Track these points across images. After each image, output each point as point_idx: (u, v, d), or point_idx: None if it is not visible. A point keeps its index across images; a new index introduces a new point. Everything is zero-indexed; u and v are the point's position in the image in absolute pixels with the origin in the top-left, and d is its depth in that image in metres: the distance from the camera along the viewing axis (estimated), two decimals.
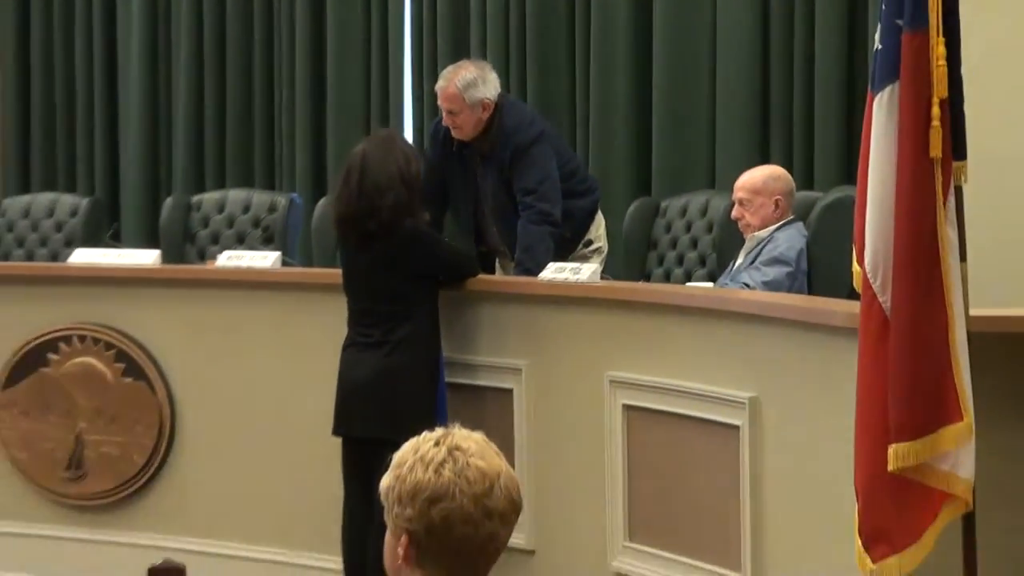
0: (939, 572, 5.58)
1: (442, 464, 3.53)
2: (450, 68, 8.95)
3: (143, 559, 4.53)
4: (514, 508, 3.55)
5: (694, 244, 8.99)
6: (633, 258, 9.14)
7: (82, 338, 9.34)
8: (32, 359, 9.43)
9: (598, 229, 9.08)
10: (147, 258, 9.77)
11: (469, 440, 3.60)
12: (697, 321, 7.37)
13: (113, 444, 9.27)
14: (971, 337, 5.50)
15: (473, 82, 8.69)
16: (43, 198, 11.22)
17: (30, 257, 10.69)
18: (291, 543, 8.72)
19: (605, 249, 9.05)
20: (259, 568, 8.79)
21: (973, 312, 5.58)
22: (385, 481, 3.59)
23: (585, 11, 10.40)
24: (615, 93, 10.26)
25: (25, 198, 11.32)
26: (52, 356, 9.39)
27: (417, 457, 3.57)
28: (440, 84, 8.79)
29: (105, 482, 9.29)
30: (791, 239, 7.99)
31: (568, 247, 8.74)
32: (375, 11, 11.19)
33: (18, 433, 9.45)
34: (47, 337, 9.41)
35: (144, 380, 9.20)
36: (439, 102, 8.81)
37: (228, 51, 11.62)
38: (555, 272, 8.29)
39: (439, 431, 3.63)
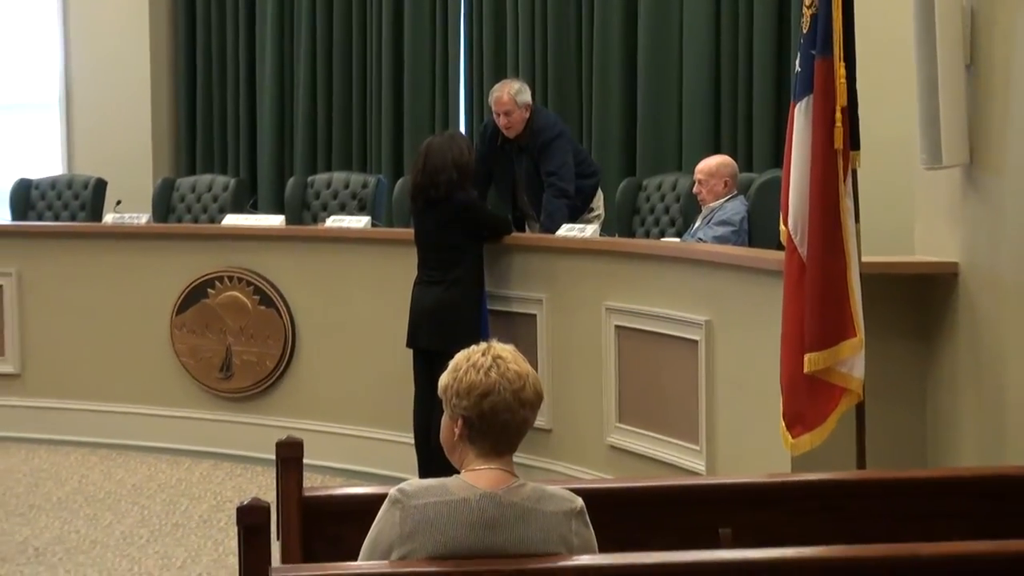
0: (839, 445, 5.63)
1: (489, 369, 3.60)
2: (501, 83, 8.97)
3: (272, 436, 4.58)
4: (539, 399, 3.62)
5: (666, 211, 8.98)
6: (622, 221, 9.14)
7: (231, 278, 9.40)
8: (196, 293, 9.49)
9: (598, 201, 9.10)
10: (275, 221, 9.84)
11: (506, 351, 3.66)
12: (668, 266, 7.41)
13: (252, 354, 9.34)
14: (862, 277, 5.56)
15: (520, 90, 8.76)
16: (204, 178, 11.23)
17: (195, 220, 10.70)
18: (377, 424, 8.74)
19: (603, 215, 9.07)
20: (354, 441, 8.83)
21: (864, 259, 5.63)
22: (444, 380, 3.65)
23: (589, 41, 10.34)
24: (610, 101, 10.24)
25: (192, 178, 11.33)
26: (210, 291, 9.45)
27: (470, 364, 3.63)
28: (495, 95, 8.80)
29: (246, 380, 9.37)
30: (735, 208, 8.01)
31: (577, 213, 8.77)
32: (439, 41, 11.16)
33: (187, 346, 9.52)
34: (206, 277, 9.47)
35: (273, 308, 9.27)
36: (494, 107, 8.78)
37: (335, 68, 11.59)
38: (567, 231, 8.35)
39: (484, 345, 3.68)
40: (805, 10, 5.68)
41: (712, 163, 8.24)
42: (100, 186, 11.36)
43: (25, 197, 11.50)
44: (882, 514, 4.26)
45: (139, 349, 9.63)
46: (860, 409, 5.62)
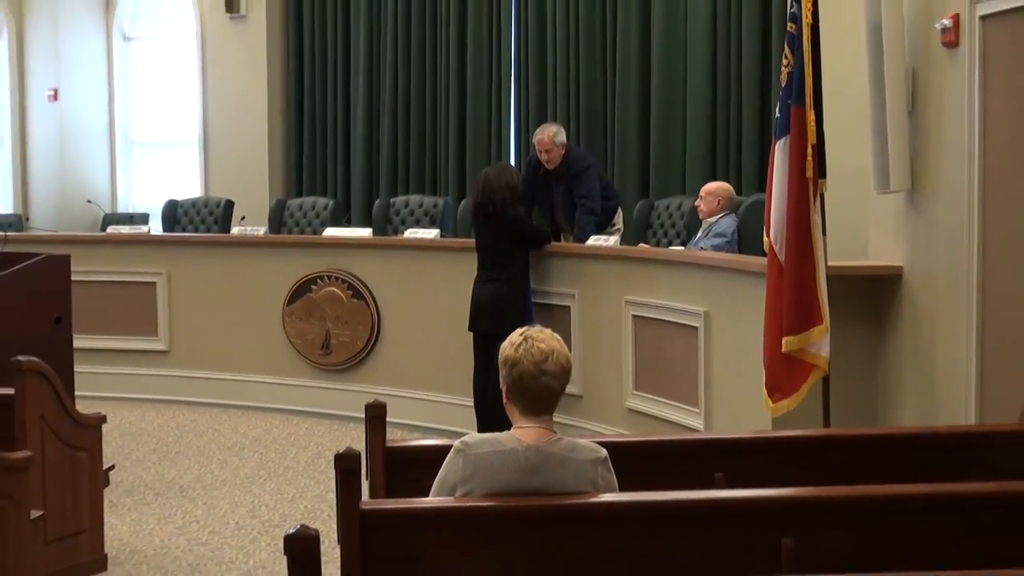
0: (809, 409, 5.62)
1: (519, 346, 3.59)
2: (543, 126, 8.94)
3: (362, 399, 4.58)
4: (562, 370, 3.59)
5: (673, 226, 8.96)
6: (638, 233, 9.12)
7: (329, 277, 9.42)
8: (302, 289, 9.50)
9: (619, 217, 9.05)
10: (365, 232, 9.90)
11: (541, 333, 3.65)
12: (674, 268, 7.41)
13: (346, 336, 9.34)
14: (828, 277, 5.55)
15: (557, 133, 8.76)
16: (309, 199, 11.27)
17: (302, 231, 10.74)
18: (444, 390, 8.75)
19: (622, 229, 9.03)
20: (426, 404, 8.82)
21: (829, 263, 5.62)
22: (500, 354, 3.67)
23: (612, 91, 10.31)
24: (628, 139, 10.20)
25: (299, 199, 11.37)
26: (313, 287, 9.47)
27: (509, 343, 3.64)
28: (539, 136, 8.80)
29: (341, 356, 9.37)
30: (728, 223, 7.95)
31: (602, 227, 8.75)
32: (493, 89, 11.15)
33: (295, 329, 9.54)
34: (310, 276, 9.48)
35: (363, 300, 9.28)
36: (537, 146, 8.78)
37: (412, 112, 11.59)
38: (595, 241, 8.34)
39: (525, 328, 3.68)
40: (783, 68, 5.68)
41: (712, 186, 8.20)
42: (229, 205, 11.43)
43: (173, 214, 11.59)
44: (843, 463, 4.24)
45: (258, 331, 9.67)
46: (826, 381, 5.62)
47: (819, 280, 5.53)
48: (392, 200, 10.77)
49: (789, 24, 5.69)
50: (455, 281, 8.51)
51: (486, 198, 8.05)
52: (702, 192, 8.15)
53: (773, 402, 5.60)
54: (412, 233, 9.54)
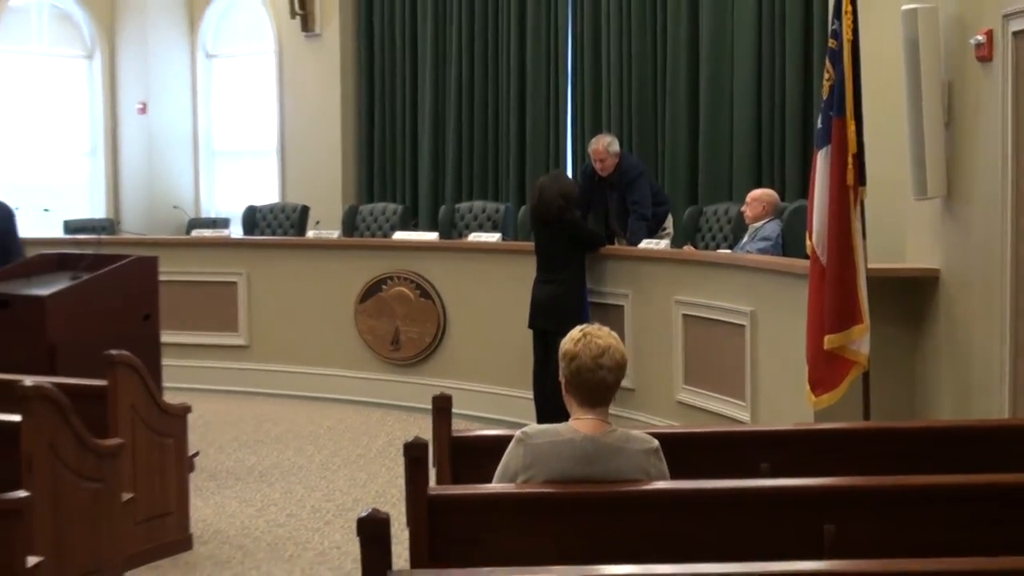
0: (850, 403, 5.58)
1: (578, 341, 3.61)
2: (597, 137, 8.91)
3: (429, 392, 4.60)
4: (618, 365, 3.59)
5: (720, 230, 8.92)
6: (687, 237, 9.08)
7: (398, 277, 9.44)
8: (373, 288, 9.53)
9: (669, 222, 9.02)
10: (431, 236, 9.91)
11: (599, 330, 3.65)
12: (722, 270, 7.37)
13: (414, 332, 9.36)
14: (868, 279, 5.51)
15: (611, 143, 8.73)
16: (379, 205, 11.29)
17: (373, 235, 10.75)
18: (506, 383, 8.74)
19: (672, 233, 8.99)
20: (489, 396, 8.83)
21: (869, 266, 5.58)
22: (559, 349, 3.67)
23: (663, 102, 10.27)
24: (678, 148, 10.16)
25: (370, 205, 11.39)
26: (383, 287, 9.49)
27: (568, 338, 3.64)
28: (593, 146, 8.77)
29: (410, 352, 9.39)
30: (773, 227, 7.90)
31: (653, 231, 8.72)
32: (551, 102, 11.14)
33: (367, 326, 9.57)
34: (381, 277, 9.51)
35: (430, 299, 9.29)
36: (592, 155, 8.75)
37: (475, 123, 11.58)
38: (646, 244, 8.32)
39: (583, 326, 3.69)
40: (825, 81, 5.65)
41: (757, 192, 8.16)
42: (304, 211, 11.48)
43: (252, 219, 11.66)
44: (882, 454, 4.22)
45: (332, 328, 9.71)
46: (866, 376, 5.58)
47: (859, 281, 5.49)
48: (457, 206, 10.78)
49: (830, 40, 5.65)
50: (515, 282, 8.50)
51: (543, 205, 8.04)
52: (748, 199, 8.12)
53: (815, 396, 5.57)
54: (475, 237, 9.53)
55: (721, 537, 3.44)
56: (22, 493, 4.36)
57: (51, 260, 7.84)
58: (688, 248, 8.43)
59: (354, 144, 12.36)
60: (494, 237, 9.43)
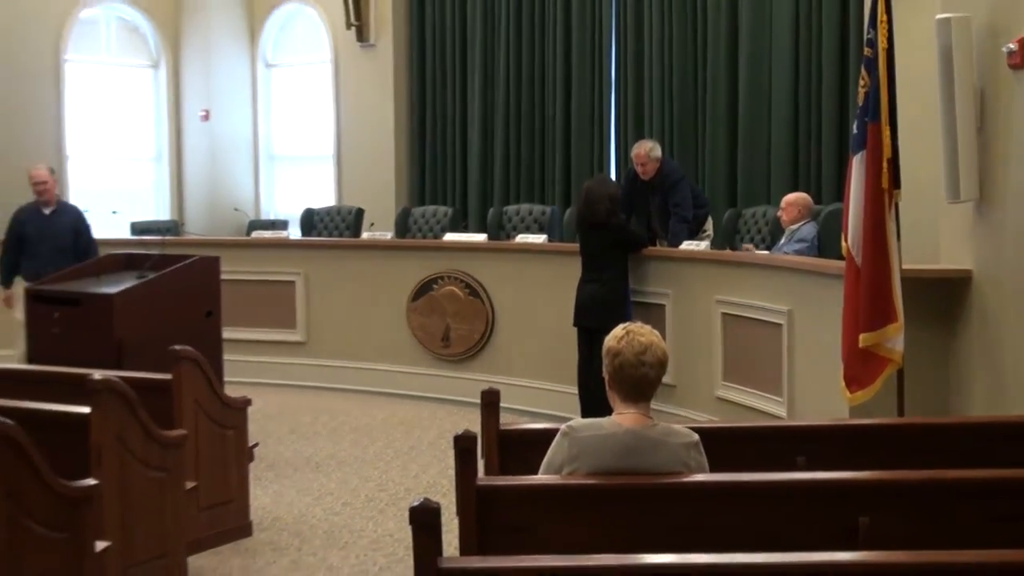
0: (885, 399, 5.54)
1: (621, 339, 3.59)
2: (639, 142, 8.92)
3: (478, 387, 4.60)
4: (659, 362, 3.58)
5: (759, 232, 8.87)
6: (727, 238, 9.05)
7: (449, 277, 9.46)
8: (425, 287, 9.55)
9: (709, 224, 9.02)
10: (480, 237, 9.92)
11: (641, 328, 3.65)
12: (760, 270, 7.33)
13: (464, 329, 9.37)
14: (902, 279, 5.46)
15: (652, 148, 8.71)
16: (431, 207, 11.29)
17: (424, 236, 10.75)
18: (551, 379, 8.74)
19: (712, 234, 8.98)
20: (535, 391, 8.83)
21: (904, 267, 5.52)
22: (603, 346, 3.67)
23: (703, 109, 10.26)
24: (718, 153, 10.14)
25: (422, 207, 11.39)
26: (434, 286, 9.51)
27: (612, 335, 3.64)
28: (636, 151, 8.76)
29: (459, 348, 9.41)
30: (809, 229, 7.87)
31: (694, 233, 8.70)
32: (596, 108, 11.13)
33: (418, 323, 9.59)
34: (432, 276, 9.53)
35: (479, 298, 9.31)
36: (634, 159, 8.74)
37: (523, 128, 11.60)
38: (687, 245, 8.30)
39: (627, 324, 3.68)
40: (860, 88, 5.60)
41: (792, 197, 8.11)
42: (359, 213, 11.52)
43: (310, 221, 11.70)
44: (916, 449, 4.19)
45: (385, 325, 9.74)
46: (900, 374, 5.52)
47: (894, 282, 5.44)
48: (505, 208, 10.78)
49: (866, 48, 5.61)
50: (561, 281, 8.49)
51: (588, 207, 8.03)
52: (783, 203, 8.07)
53: (851, 393, 5.52)
54: (523, 238, 9.52)
55: (759, 528, 3.43)
56: (91, 481, 4.41)
57: (119, 260, 7.92)
58: (749, 246, 8.36)
59: (407, 149, 12.39)
60: (540, 238, 9.43)
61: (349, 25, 12.25)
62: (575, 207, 8.96)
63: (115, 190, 12.67)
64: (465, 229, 11.12)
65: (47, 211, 8.98)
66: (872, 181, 5.45)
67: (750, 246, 8.41)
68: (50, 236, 8.87)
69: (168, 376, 5.86)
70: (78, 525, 4.29)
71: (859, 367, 5.50)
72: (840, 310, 5.62)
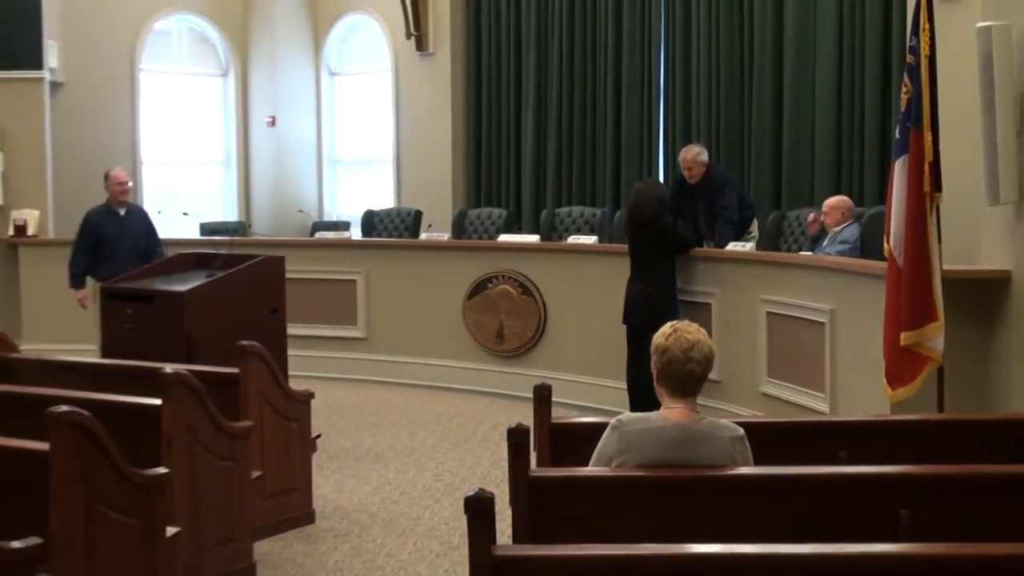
0: (925, 396, 5.48)
1: (669, 336, 3.58)
2: (687, 147, 8.89)
3: (531, 382, 4.60)
4: (705, 358, 3.56)
5: (803, 233, 8.80)
6: (771, 240, 8.99)
7: (503, 276, 9.46)
8: (480, 286, 9.55)
9: (754, 226, 8.94)
10: (533, 238, 9.90)
11: (689, 326, 3.62)
12: (804, 271, 7.28)
13: (517, 327, 9.36)
14: (943, 280, 5.40)
15: (699, 153, 8.69)
16: (486, 210, 11.30)
17: (480, 237, 10.75)
18: (601, 374, 8.71)
19: (757, 236, 8.91)
20: (586, 386, 8.81)
21: (944, 267, 5.46)
22: (652, 343, 3.65)
23: (749, 114, 10.20)
24: (763, 157, 10.07)
25: (478, 210, 11.41)
26: (489, 285, 9.52)
27: (661, 333, 3.62)
28: (683, 155, 8.74)
29: (513, 344, 9.40)
30: (852, 231, 7.80)
31: (739, 234, 8.64)
32: (645, 114, 11.09)
33: (474, 321, 9.60)
34: (487, 276, 9.53)
35: (531, 297, 9.30)
36: (682, 164, 8.72)
37: (574, 133, 11.60)
38: (733, 246, 8.24)
39: (675, 322, 3.66)
40: (903, 94, 5.54)
41: (834, 200, 8.05)
42: (418, 215, 11.56)
43: (370, 222, 11.76)
44: (955, 445, 4.15)
45: (442, 322, 9.76)
46: (940, 371, 5.46)
47: (935, 282, 5.38)
48: (557, 210, 10.78)
49: (908, 56, 5.55)
50: (611, 281, 8.47)
51: (638, 210, 8.00)
52: (825, 207, 8.01)
53: (892, 390, 5.46)
54: (574, 239, 9.51)
55: (802, 520, 3.40)
56: (163, 470, 4.46)
57: (189, 259, 7.98)
58: (812, 216, 8.24)
59: (463, 154, 12.41)
60: (591, 239, 9.41)
61: (409, 35, 12.29)
62: (624, 209, 8.93)
63: (186, 192, 12.80)
64: (519, 230, 11.12)
65: (122, 212, 8.95)
66: (914, 185, 5.39)
67: (813, 215, 8.29)
68: (127, 236, 8.84)
69: (235, 370, 5.90)
70: (150, 511, 4.34)
71: (900, 365, 5.44)
72: (881, 309, 5.57)
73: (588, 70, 11.52)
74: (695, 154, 8.70)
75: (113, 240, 8.78)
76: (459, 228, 11.08)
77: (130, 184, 9.17)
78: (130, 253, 8.69)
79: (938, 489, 3.48)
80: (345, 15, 13.23)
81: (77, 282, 8.97)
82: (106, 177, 9.02)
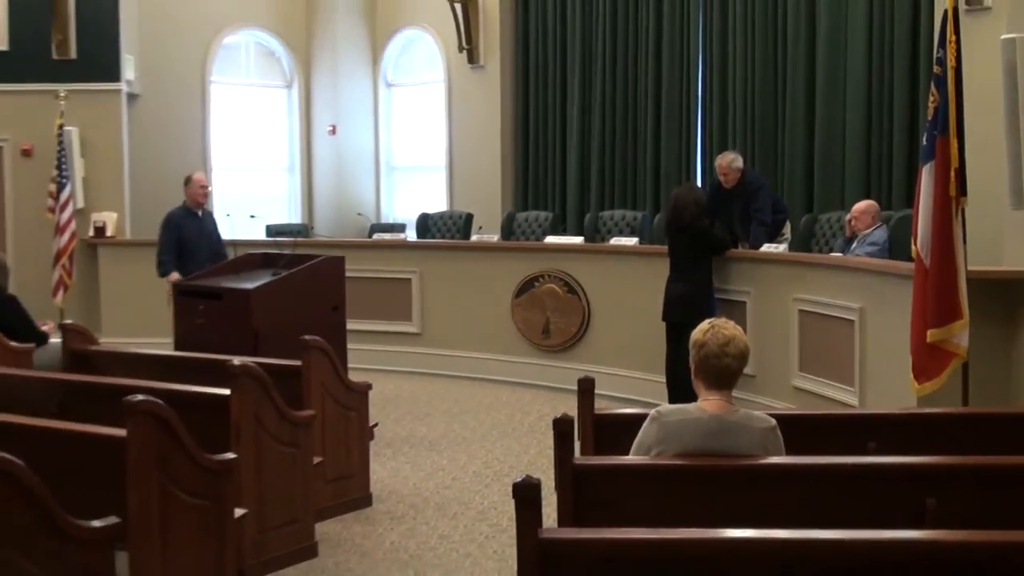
0: (950, 390, 5.42)
1: (706, 332, 3.57)
2: (723, 154, 8.87)
3: (575, 375, 4.60)
4: (741, 353, 3.55)
5: (833, 235, 8.73)
6: (803, 242, 8.92)
7: (549, 276, 9.44)
8: (527, 285, 9.54)
9: (787, 228, 8.87)
10: (578, 240, 9.89)
11: (725, 323, 3.61)
12: (834, 271, 7.21)
13: (562, 323, 9.35)
14: (968, 280, 5.34)
15: (734, 159, 8.66)
16: (533, 213, 11.29)
17: (527, 239, 10.74)
18: (641, 368, 8.68)
19: (790, 238, 8.86)
20: (627, 379, 8.77)
21: (969, 268, 5.40)
22: (690, 339, 3.64)
23: (782, 122, 10.14)
24: (796, 163, 10.00)
25: (525, 213, 11.38)
26: (536, 284, 9.50)
27: (698, 329, 3.61)
28: (719, 162, 8.71)
29: (558, 340, 9.38)
30: (880, 234, 7.73)
31: (773, 236, 8.59)
32: (683, 122, 11.05)
33: (521, 317, 9.59)
34: (534, 275, 9.51)
35: (576, 295, 9.28)
36: (718, 169, 8.70)
37: (616, 140, 11.57)
38: (767, 247, 8.20)
39: (712, 319, 3.65)
40: (930, 104, 5.49)
41: (863, 205, 7.98)
42: (469, 218, 11.57)
43: (425, 224, 11.78)
44: (979, 437, 4.11)
45: (492, 318, 9.77)
46: (965, 367, 5.40)
47: (960, 282, 5.32)
48: (600, 213, 10.76)
49: (935, 67, 5.49)
50: (651, 280, 8.43)
51: (676, 213, 7.96)
52: (855, 212, 7.94)
53: (919, 384, 5.41)
54: (616, 241, 9.49)
55: (832, 508, 3.38)
56: (231, 455, 4.49)
57: (256, 259, 8.04)
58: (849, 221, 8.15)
59: (512, 160, 12.41)
60: (632, 241, 9.39)
61: (461, 49, 12.31)
62: (664, 212, 8.89)
63: (253, 196, 12.89)
64: (564, 232, 11.11)
65: (200, 214, 9.03)
66: (940, 190, 5.34)
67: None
68: (205, 237, 8.91)
69: (298, 363, 5.93)
70: (219, 494, 4.37)
71: (927, 360, 5.39)
72: (909, 308, 5.52)
73: (630, 81, 11.49)
74: (730, 160, 8.66)
75: (193, 241, 8.84)
76: (508, 230, 11.08)
77: (210, 188, 9.23)
78: (206, 253, 8.77)
79: (963, 479, 3.45)
80: (401, 30, 13.28)
81: (166, 271, 8.91)
82: (188, 180, 9.03)
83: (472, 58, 12.35)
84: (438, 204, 12.69)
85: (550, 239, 10.02)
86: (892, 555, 2.85)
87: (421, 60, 13.26)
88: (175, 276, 8.67)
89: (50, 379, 5.77)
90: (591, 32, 11.75)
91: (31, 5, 11.19)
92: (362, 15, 13.40)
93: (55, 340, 7.04)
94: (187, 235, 8.86)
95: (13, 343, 6.90)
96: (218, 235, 9.10)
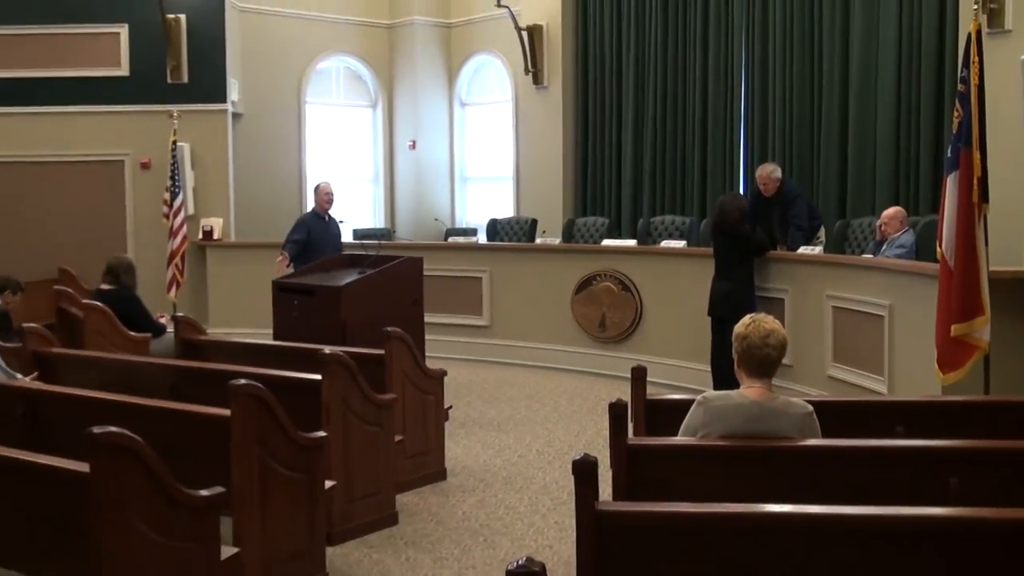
0: (973, 381, 5.32)
1: (748, 325, 3.54)
2: (763, 165, 8.77)
3: (629, 364, 4.58)
4: (781, 345, 3.52)
5: (865, 239, 8.61)
6: (837, 245, 8.80)
7: (605, 275, 9.40)
8: (586, 283, 9.50)
9: (821, 233, 8.79)
10: (631, 243, 9.84)
11: (766, 317, 3.58)
12: (866, 271, 7.09)
13: (617, 317, 9.31)
14: (989, 279, 5.24)
15: (773, 170, 8.56)
16: (591, 218, 11.23)
17: (586, 242, 10.69)
18: (689, 358, 8.62)
19: (824, 241, 8.75)
20: (676, 368, 8.68)
21: (991, 268, 5.30)
22: (734, 331, 3.61)
23: (818, 135, 10.02)
24: (830, 173, 9.87)
25: (584, 218, 11.33)
26: (593, 282, 9.47)
27: (741, 323, 3.58)
28: (760, 173, 8.62)
29: (614, 332, 9.34)
30: (908, 237, 7.61)
31: (808, 240, 8.48)
32: (727, 136, 10.96)
33: (580, 312, 9.55)
34: (592, 274, 9.47)
35: (630, 292, 9.24)
36: (758, 179, 8.60)
37: (667, 152, 11.50)
38: (803, 250, 8.08)
39: (753, 314, 3.62)
40: (955, 118, 5.39)
41: (892, 211, 7.85)
42: (533, 223, 11.55)
43: (494, 228, 11.78)
44: (999, 422, 4.03)
45: (554, 313, 9.75)
46: (986, 359, 5.31)
47: (982, 281, 5.22)
48: (652, 218, 10.69)
49: (960, 85, 5.39)
50: (697, 279, 8.36)
51: (721, 218, 7.88)
52: (884, 218, 7.82)
53: (943, 374, 5.32)
54: (666, 243, 9.43)
55: (862, 486, 3.34)
56: (322, 434, 4.54)
57: (344, 259, 8.13)
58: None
59: (572, 171, 12.37)
60: (681, 244, 9.32)
61: (527, 71, 12.31)
62: (710, 218, 8.82)
63: (342, 204, 12.96)
64: (619, 236, 11.06)
65: (327, 218, 9.31)
66: (964, 197, 5.24)
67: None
68: (329, 239, 9.21)
69: (382, 351, 5.97)
70: (311, 468, 4.42)
71: (951, 353, 5.29)
72: (934, 305, 5.42)
73: (679, 99, 11.41)
74: (769, 171, 8.57)
75: (321, 242, 9.09)
76: (568, 234, 11.06)
77: (334, 196, 9.42)
78: (329, 252, 8.93)
79: (984, 461, 3.39)
80: (474, 55, 13.32)
81: (286, 249, 8.94)
82: (316, 188, 9.46)
83: (537, 80, 12.34)
84: (506, 210, 12.69)
85: (606, 242, 9.99)
86: (918, 529, 2.81)
87: (491, 82, 13.28)
88: (285, 258, 8.82)
89: (165, 365, 5.87)
90: (643, 56, 11.69)
91: (148, 36, 11.38)
92: (439, 43, 13.46)
93: (169, 331, 7.17)
94: (314, 235, 9.12)
95: (133, 333, 7.06)
96: (339, 237, 9.36)
